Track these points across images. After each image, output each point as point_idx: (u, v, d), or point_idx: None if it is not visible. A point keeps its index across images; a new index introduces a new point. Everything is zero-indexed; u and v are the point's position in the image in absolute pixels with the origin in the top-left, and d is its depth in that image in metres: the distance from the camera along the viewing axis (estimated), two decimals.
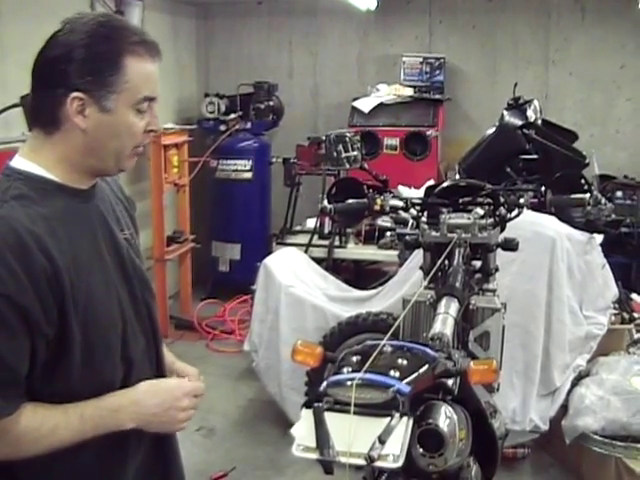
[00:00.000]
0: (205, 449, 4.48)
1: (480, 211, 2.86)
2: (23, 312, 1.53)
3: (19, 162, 1.68)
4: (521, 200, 2.85)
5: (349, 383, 1.67)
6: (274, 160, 6.91)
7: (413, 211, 2.96)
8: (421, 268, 2.99)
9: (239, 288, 6.57)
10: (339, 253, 6.03)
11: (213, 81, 7.87)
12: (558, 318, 4.00)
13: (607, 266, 4.22)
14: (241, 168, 7.10)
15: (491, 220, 2.85)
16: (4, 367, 1.55)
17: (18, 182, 1.63)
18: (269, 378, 4.63)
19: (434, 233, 2.88)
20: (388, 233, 5.93)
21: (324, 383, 1.71)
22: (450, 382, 1.91)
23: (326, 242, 6.01)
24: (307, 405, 1.66)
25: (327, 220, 5.97)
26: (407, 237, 3.13)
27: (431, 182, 6.02)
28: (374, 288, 5.05)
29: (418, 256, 4.36)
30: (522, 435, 4.04)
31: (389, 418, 1.61)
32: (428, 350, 1.89)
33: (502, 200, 2.87)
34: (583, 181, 2.79)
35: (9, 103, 4.47)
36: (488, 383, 2.15)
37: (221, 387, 5.33)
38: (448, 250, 2.77)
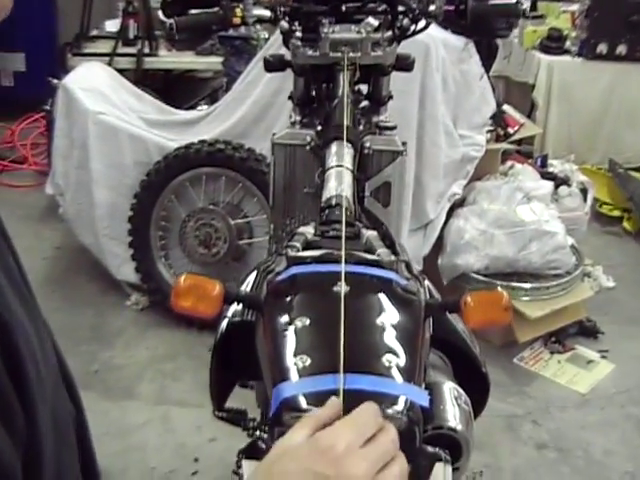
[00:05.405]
0: None
1: (374, 22, 2.10)
2: None
3: None
4: (431, 7, 2.11)
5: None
6: None
7: (284, 24, 2.16)
8: (290, 98, 2.25)
9: (28, 105, 5.58)
10: (150, 63, 5.08)
11: None
12: (432, 140, 3.36)
13: (485, 77, 3.59)
14: None
15: (388, 34, 2.11)
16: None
17: None
18: (82, 226, 3.79)
19: (311, 52, 2.12)
20: None
21: (273, 405, 0.96)
22: None
23: (133, 49, 5.04)
24: (248, 454, 0.90)
25: (132, 22, 4.96)
26: (269, 57, 2.32)
27: None
28: (196, 106, 4.26)
29: (257, 70, 3.58)
30: None
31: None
32: (398, 278, 1.18)
33: (404, 6, 2.12)
34: None
35: None
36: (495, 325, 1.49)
37: (20, 235, 4.34)
38: (331, 74, 2.07)
